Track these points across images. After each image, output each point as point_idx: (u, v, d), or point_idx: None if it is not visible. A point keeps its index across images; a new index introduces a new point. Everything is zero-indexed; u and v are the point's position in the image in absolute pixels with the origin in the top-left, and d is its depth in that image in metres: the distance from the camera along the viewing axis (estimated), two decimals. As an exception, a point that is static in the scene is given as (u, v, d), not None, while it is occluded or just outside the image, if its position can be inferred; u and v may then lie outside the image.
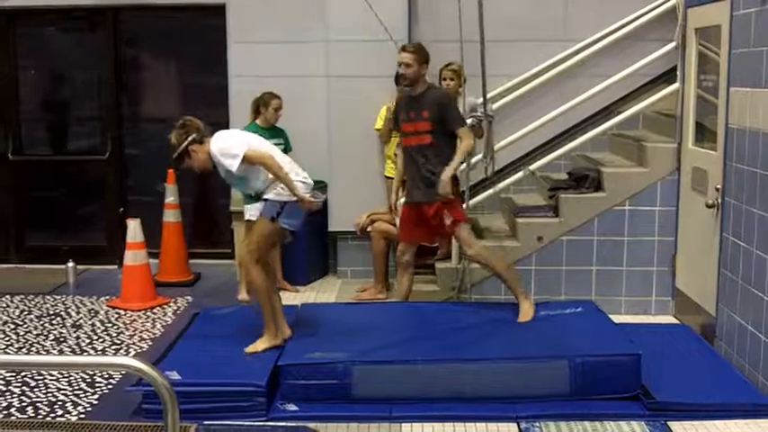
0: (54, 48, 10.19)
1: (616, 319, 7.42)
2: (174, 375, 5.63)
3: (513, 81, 9.00)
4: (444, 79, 8.32)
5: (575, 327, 6.45)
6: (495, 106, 8.20)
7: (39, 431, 5.48)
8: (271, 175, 6.08)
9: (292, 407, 5.67)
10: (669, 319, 7.75)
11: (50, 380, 6.26)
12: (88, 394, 6.05)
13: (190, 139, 6.14)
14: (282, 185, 6.08)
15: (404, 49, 6.97)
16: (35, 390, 6.13)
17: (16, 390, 6.14)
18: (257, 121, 8.53)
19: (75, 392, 6.05)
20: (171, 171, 9.18)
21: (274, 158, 6.09)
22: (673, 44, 7.90)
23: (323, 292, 8.78)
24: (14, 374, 6.35)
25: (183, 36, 9.98)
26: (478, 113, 7.76)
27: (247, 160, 6.02)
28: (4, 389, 6.16)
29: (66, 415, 5.73)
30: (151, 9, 9.72)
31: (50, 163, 10.20)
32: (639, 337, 6.56)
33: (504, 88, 8.93)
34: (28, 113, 10.20)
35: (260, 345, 6.22)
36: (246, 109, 8.68)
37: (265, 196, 6.19)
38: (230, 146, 6.09)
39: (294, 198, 6.09)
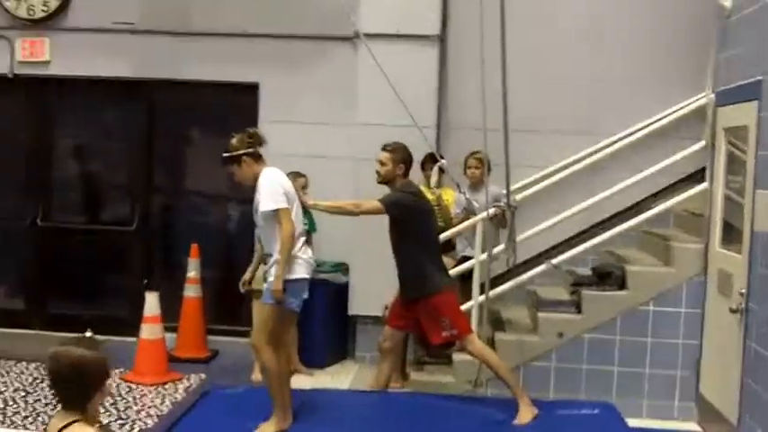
0: (90, 118, 10.28)
1: (637, 423, 7.27)
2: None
3: (542, 173, 8.90)
4: (470, 167, 8.28)
5: (587, 430, 6.24)
6: (519, 197, 8.12)
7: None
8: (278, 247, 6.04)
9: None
10: (692, 426, 7.52)
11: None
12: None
13: (250, 150, 6.24)
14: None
15: (383, 148, 6.92)
16: (29, 464, 6.05)
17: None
18: (282, 200, 8.48)
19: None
20: (195, 245, 9.16)
21: (292, 240, 6.04)
22: (702, 143, 7.79)
23: (338, 377, 8.65)
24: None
25: (216, 112, 10.03)
26: (501, 203, 7.68)
27: (275, 216, 6.02)
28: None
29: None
30: (186, 84, 9.78)
31: (78, 231, 10.24)
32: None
33: (531, 179, 8.84)
34: (59, 181, 10.29)
35: (267, 429, 6.10)
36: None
37: (269, 278, 6.11)
38: (277, 192, 6.15)
39: (297, 276, 6.03)
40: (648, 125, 8.79)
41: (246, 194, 9.27)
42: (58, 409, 3.54)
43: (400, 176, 6.88)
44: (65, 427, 3.40)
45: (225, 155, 6.33)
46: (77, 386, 3.46)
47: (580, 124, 9.06)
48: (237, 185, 6.87)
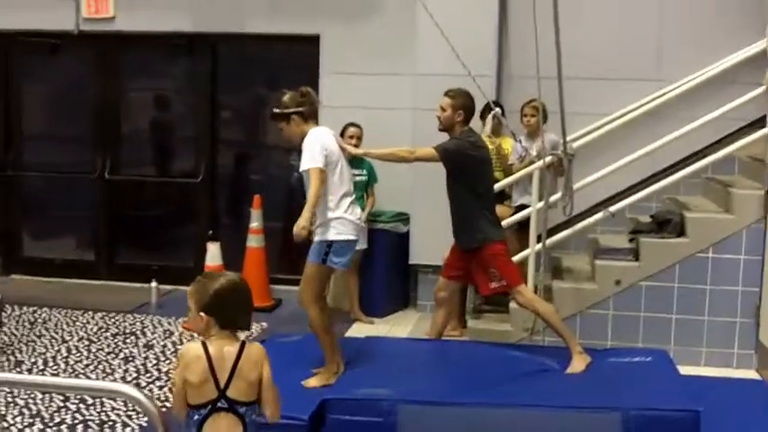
0: (154, 72, 10.49)
1: (695, 371, 7.21)
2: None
3: (603, 120, 8.80)
4: (525, 115, 8.25)
5: (637, 377, 6.22)
6: (577, 144, 8.04)
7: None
8: (326, 204, 6.10)
9: (336, 442, 5.61)
10: (751, 374, 7.42)
11: (107, 399, 6.33)
12: (140, 416, 6.11)
13: (300, 109, 6.23)
14: (333, 223, 6.07)
15: (445, 93, 6.87)
16: (90, 408, 6.24)
17: (72, 407, 6.27)
18: (340, 151, 8.55)
19: (128, 413, 6.12)
20: (257, 197, 9.29)
21: (316, 199, 6.06)
22: (762, 88, 7.62)
23: (398, 326, 8.73)
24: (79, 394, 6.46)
25: (278, 64, 10.13)
26: (558, 151, 7.62)
27: (311, 173, 6.05)
28: (62, 404, 6.29)
29: (114, 437, 5.82)
30: (248, 38, 9.86)
31: (145, 184, 10.51)
32: (712, 391, 6.33)
33: (592, 127, 8.74)
34: (126, 134, 10.51)
35: (318, 380, 6.19)
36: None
37: (317, 237, 6.16)
38: (315, 151, 6.12)
39: (343, 237, 6.10)
40: (710, 71, 8.59)
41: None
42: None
43: (460, 123, 6.84)
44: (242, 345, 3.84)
45: (275, 110, 6.34)
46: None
47: (642, 71, 8.91)
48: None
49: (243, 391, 3.82)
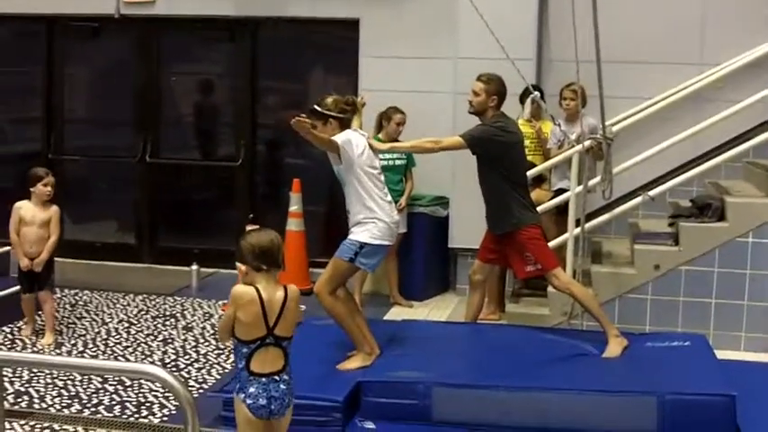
0: (195, 56, 10.57)
1: (734, 355, 7.17)
2: (255, 385, 5.68)
3: (644, 104, 8.74)
4: (564, 99, 8.22)
5: (674, 361, 6.18)
6: (617, 128, 8.00)
7: (119, 431, 5.62)
8: (362, 203, 6.09)
9: (370, 425, 5.63)
10: (791, 360, 7.36)
11: (145, 381, 6.40)
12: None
13: (341, 116, 6.20)
14: (369, 224, 6.08)
15: (478, 78, 6.85)
16: (128, 389, 6.32)
17: (110, 388, 6.35)
18: (380, 135, 8.59)
19: (166, 395, 6.18)
20: (296, 180, 9.33)
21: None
22: (804, 72, 7.54)
23: (437, 309, 8.74)
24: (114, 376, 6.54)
25: (318, 48, 10.17)
26: (597, 135, 7.58)
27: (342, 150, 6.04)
28: (100, 386, 6.38)
29: (150, 417, 5.89)
30: (289, 21, 9.90)
31: (185, 167, 10.60)
32: (751, 376, 6.33)
33: (633, 111, 8.68)
34: (167, 118, 10.61)
35: (353, 362, 6.21)
36: (374, 122, 8.75)
37: (351, 235, 6.17)
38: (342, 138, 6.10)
39: (378, 242, 6.09)
40: (752, 54, 8.50)
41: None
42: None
43: (492, 108, 6.83)
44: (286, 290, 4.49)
45: (316, 108, 6.26)
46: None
47: (684, 55, 8.86)
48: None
49: (286, 328, 4.49)
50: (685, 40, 8.89)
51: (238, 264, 4.49)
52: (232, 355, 7.08)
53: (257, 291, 4.37)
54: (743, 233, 7.48)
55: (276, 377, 4.44)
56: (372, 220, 6.10)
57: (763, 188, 7.84)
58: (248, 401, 4.39)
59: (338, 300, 6.22)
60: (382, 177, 6.32)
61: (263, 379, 4.40)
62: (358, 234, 6.13)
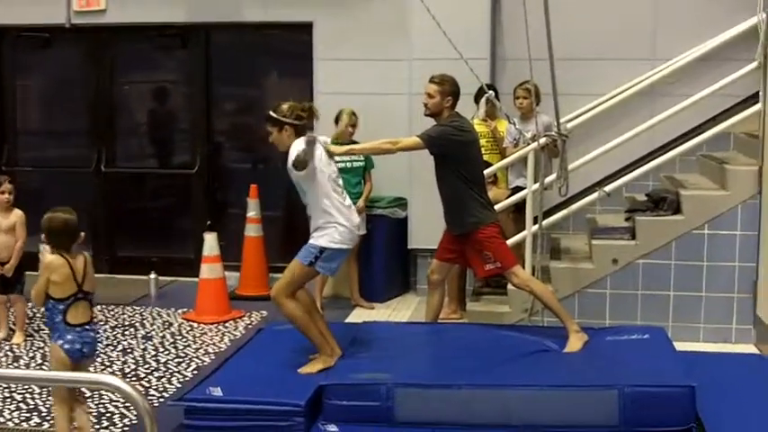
0: (148, 64, 10.49)
1: (693, 346, 7.23)
2: (217, 392, 5.66)
3: (598, 101, 8.79)
4: (518, 98, 8.24)
5: (634, 354, 6.22)
6: (571, 125, 8.04)
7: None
8: (321, 209, 6.07)
9: (333, 428, 5.60)
10: (750, 349, 7.43)
11: (105, 391, 6.33)
12: (137, 409, 6.11)
13: (296, 123, 6.13)
14: (329, 229, 6.05)
15: (431, 80, 6.87)
16: (88, 400, 6.20)
17: (70, 400, 6.26)
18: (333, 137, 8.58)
19: (126, 405, 6.12)
20: (254, 186, 9.30)
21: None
22: (755, 63, 7.61)
23: (398, 311, 8.74)
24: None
25: (272, 53, 10.15)
26: (552, 133, 7.61)
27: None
28: (60, 398, 6.29)
29: (111, 427, 5.84)
30: (241, 26, 9.86)
31: (141, 176, 10.56)
32: (710, 367, 6.35)
33: (587, 107, 8.74)
34: (121, 127, 10.53)
35: (314, 366, 6.18)
36: (331, 125, 8.74)
37: (311, 240, 6.15)
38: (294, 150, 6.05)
39: (337, 246, 6.06)
40: (703, 48, 8.59)
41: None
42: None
43: (448, 109, 6.85)
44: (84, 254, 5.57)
45: (271, 114, 6.17)
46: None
47: (636, 51, 8.91)
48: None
49: (90, 285, 5.45)
50: (637, 35, 8.95)
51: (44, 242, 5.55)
52: (192, 363, 7.09)
53: (64, 257, 5.33)
54: (698, 225, 7.56)
55: (87, 327, 5.40)
56: (333, 225, 6.06)
57: (717, 181, 7.92)
58: (66, 346, 5.29)
59: (297, 303, 6.17)
60: (340, 181, 6.29)
61: (78, 329, 5.34)
62: (318, 239, 6.10)
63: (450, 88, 6.82)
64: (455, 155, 6.70)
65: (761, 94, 7.55)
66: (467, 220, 6.73)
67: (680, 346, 6.65)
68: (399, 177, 9.13)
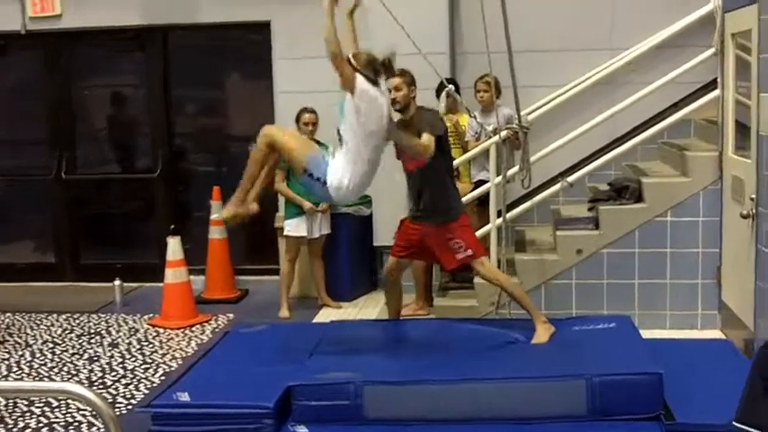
0: (106, 68, 10.40)
1: (660, 333, 7.28)
2: (184, 397, 5.61)
3: (559, 92, 8.81)
4: (479, 91, 8.25)
5: (600, 344, 6.23)
6: (532, 117, 8.08)
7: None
8: None
9: (303, 429, 5.58)
10: (716, 334, 7.48)
11: (72, 401, 6.26)
12: (103, 416, 6.06)
13: (364, 72, 6.06)
14: None
15: (393, 73, 6.78)
16: (55, 410, 6.20)
17: (37, 410, 6.22)
18: (297, 136, 8.56)
19: (94, 414, 6.03)
20: (216, 188, 9.25)
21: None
22: (712, 50, 7.66)
23: (366, 308, 8.72)
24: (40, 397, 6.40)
25: (231, 53, 10.11)
26: (513, 125, 7.63)
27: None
28: (26, 409, 6.24)
29: (79, 437, 5.79)
30: (198, 28, 9.79)
31: (103, 181, 10.46)
32: (676, 353, 6.37)
33: (549, 98, 8.75)
34: (81, 133, 10.44)
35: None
36: (291, 125, 8.71)
37: None
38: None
39: None
40: (660, 36, 8.63)
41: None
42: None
43: (413, 99, 6.84)
44: None
45: (350, 60, 6.11)
46: None
47: (594, 41, 8.93)
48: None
49: None
50: (595, 26, 8.98)
51: None
52: (160, 369, 7.04)
53: None
54: (661, 213, 7.60)
55: None
56: None
57: (678, 168, 7.96)
58: None
59: None
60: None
61: None
62: None
63: (411, 78, 6.80)
64: (445, 145, 6.74)
65: (719, 80, 7.59)
66: (447, 210, 6.66)
67: (646, 333, 6.67)
68: (363, 175, 9.08)
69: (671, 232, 7.59)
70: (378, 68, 6.14)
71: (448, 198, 6.74)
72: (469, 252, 6.70)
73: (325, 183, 6.00)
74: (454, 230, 6.68)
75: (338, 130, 6.15)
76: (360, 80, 5.97)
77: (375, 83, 6.09)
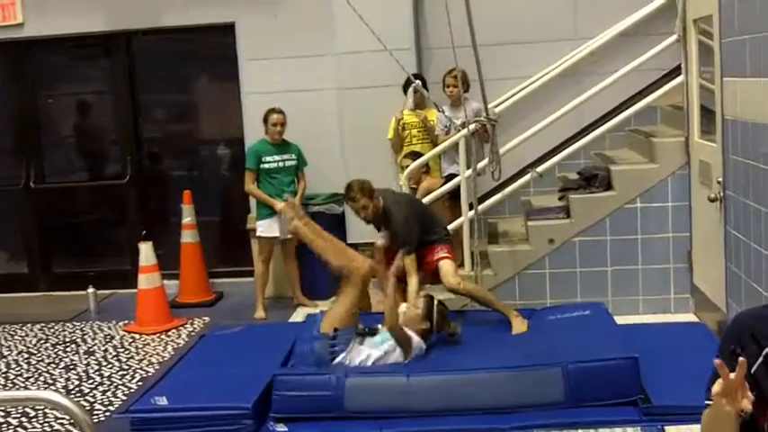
0: (71, 75, 10.35)
1: (634, 319, 7.34)
2: (162, 401, 5.61)
3: (525, 83, 8.85)
4: (448, 86, 8.26)
5: (575, 331, 6.29)
6: (499, 109, 8.13)
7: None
8: None
9: (282, 427, 5.58)
10: (689, 317, 7.53)
11: (50, 410, 6.24)
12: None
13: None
14: None
15: (352, 199, 7.09)
16: (33, 420, 6.17)
17: (14, 421, 6.19)
18: (266, 137, 8.57)
19: (72, 422, 5.99)
20: (187, 192, 9.22)
21: None
22: (674, 36, 7.72)
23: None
24: (15, 407, 6.37)
25: (196, 56, 10.08)
26: (482, 118, 7.66)
27: None
28: (3, 420, 6.21)
29: (58, 445, 5.77)
30: (162, 32, 9.75)
31: (72, 189, 10.38)
32: (651, 337, 6.46)
33: (516, 90, 8.79)
34: (48, 142, 10.37)
35: None
36: (259, 126, 8.71)
37: None
38: None
39: None
40: (623, 25, 8.69)
41: (233, 135, 9.49)
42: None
43: (377, 201, 7.09)
44: None
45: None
46: None
47: (559, 31, 8.94)
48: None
49: None
50: (559, 16, 8.99)
51: None
52: (137, 375, 7.01)
53: None
54: (630, 200, 7.65)
55: None
56: None
57: (646, 154, 8.01)
58: None
59: None
60: None
61: None
62: None
63: (369, 188, 7.09)
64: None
65: (682, 66, 7.64)
66: (443, 235, 7.27)
67: (620, 319, 6.76)
68: (335, 173, 9.07)
69: (641, 218, 7.64)
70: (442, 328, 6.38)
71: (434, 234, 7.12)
72: (447, 255, 6.95)
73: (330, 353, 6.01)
74: (442, 243, 7.05)
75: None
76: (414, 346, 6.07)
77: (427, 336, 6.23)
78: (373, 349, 5.97)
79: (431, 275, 7.20)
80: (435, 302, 6.37)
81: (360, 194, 6.98)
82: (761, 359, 2.63)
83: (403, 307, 6.33)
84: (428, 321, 6.23)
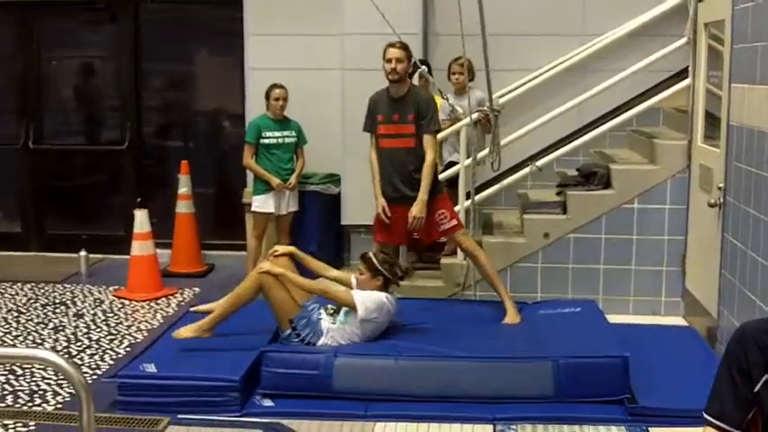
0: (76, 40, 10.29)
1: (624, 319, 7.36)
2: (151, 368, 5.63)
3: (531, 76, 8.84)
4: (454, 73, 8.25)
5: (567, 327, 6.31)
6: (503, 100, 8.12)
7: (11, 420, 5.47)
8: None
9: (268, 402, 5.61)
10: (679, 321, 7.55)
11: (37, 369, 6.25)
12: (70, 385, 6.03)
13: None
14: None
15: (393, 45, 6.88)
16: (20, 378, 6.16)
17: (1, 378, 6.18)
18: (267, 113, 8.54)
19: (59, 382, 6.04)
20: (184, 162, 9.21)
21: None
22: (684, 39, 7.72)
23: (333, 286, 8.68)
24: (2, 364, 6.37)
25: (202, 28, 10.03)
26: (485, 107, 7.66)
27: None
28: (-11, 376, 6.22)
29: (44, 404, 5.75)
30: (170, 2, 9.72)
31: (70, 152, 10.36)
32: (640, 338, 6.48)
33: (520, 83, 8.78)
34: (49, 104, 10.34)
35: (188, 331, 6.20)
36: (262, 101, 8.69)
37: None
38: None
39: None
40: (633, 24, 8.68)
41: (234, 109, 9.46)
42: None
43: (409, 77, 7.00)
44: None
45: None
46: None
47: (567, 27, 8.95)
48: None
49: None
50: (568, 11, 8.99)
51: None
52: (125, 341, 7.01)
53: None
54: (628, 200, 7.65)
55: None
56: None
57: (646, 155, 8.02)
58: None
59: None
60: None
61: None
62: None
63: (410, 52, 6.98)
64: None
65: (690, 69, 7.64)
66: (437, 185, 6.97)
67: (610, 318, 6.79)
68: (332, 153, 9.07)
69: (637, 219, 7.64)
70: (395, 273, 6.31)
71: (435, 174, 6.96)
72: (453, 223, 6.95)
73: (306, 342, 5.98)
74: (440, 202, 6.90)
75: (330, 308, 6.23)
76: (360, 301, 6.05)
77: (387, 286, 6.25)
78: (346, 325, 6.02)
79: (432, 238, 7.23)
80: (371, 255, 6.33)
81: (404, 47, 6.87)
82: (766, 377, 2.62)
83: (352, 278, 6.41)
84: (379, 275, 6.21)
